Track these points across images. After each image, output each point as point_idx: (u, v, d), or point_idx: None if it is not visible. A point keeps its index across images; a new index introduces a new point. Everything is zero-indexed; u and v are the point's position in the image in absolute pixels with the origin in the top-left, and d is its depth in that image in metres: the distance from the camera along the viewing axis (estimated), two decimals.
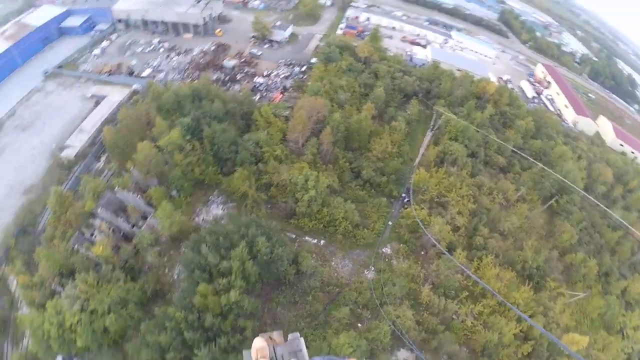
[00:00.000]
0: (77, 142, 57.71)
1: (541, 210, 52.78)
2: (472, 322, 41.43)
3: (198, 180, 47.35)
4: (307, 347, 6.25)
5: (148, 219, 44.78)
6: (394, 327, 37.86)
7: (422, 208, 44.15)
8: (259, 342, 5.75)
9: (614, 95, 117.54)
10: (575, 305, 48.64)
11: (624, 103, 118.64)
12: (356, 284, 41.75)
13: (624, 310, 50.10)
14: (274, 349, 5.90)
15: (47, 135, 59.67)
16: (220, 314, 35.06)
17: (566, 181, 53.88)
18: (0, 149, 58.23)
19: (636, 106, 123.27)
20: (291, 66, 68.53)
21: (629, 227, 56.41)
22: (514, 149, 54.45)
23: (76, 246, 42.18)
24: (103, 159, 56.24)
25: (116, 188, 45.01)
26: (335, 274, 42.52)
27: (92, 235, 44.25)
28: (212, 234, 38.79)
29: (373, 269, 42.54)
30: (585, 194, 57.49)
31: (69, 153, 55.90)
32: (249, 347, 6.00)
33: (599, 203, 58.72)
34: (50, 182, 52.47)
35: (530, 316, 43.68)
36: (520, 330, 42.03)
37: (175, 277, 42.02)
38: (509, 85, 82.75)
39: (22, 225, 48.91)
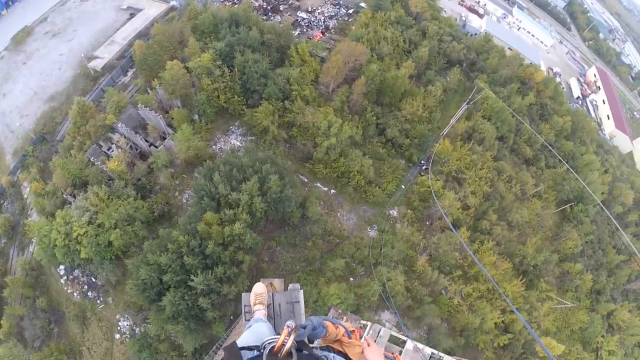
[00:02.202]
0: (106, 54, 56.03)
1: (553, 212, 52.02)
2: (458, 301, 42.45)
3: (222, 108, 46.38)
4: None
5: (166, 139, 44.41)
6: (384, 288, 38.67)
7: (438, 179, 43.52)
8: (259, 288, 5.72)
9: None
10: (560, 312, 49.55)
11: None
12: (357, 239, 42.26)
13: (604, 331, 50.86)
14: (272, 296, 5.93)
15: (77, 43, 57.90)
16: (221, 243, 35.69)
17: (587, 189, 52.43)
18: (28, 54, 56.92)
19: None
20: (338, 6, 64.82)
21: (636, 253, 55.69)
22: (545, 143, 52.55)
23: (92, 158, 42.22)
24: (130, 73, 54.90)
25: (139, 104, 43.96)
26: (339, 225, 42.93)
27: (109, 149, 44.00)
28: (227, 164, 38.70)
29: (376, 228, 42.84)
30: (602, 207, 56.24)
31: (96, 64, 54.51)
32: (244, 281, 5.87)
33: (613, 219, 57.69)
34: (74, 91, 51.70)
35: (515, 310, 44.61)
36: (502, 322, 43.32)
37: (184, 201, 42.56)
38: (557, 79, 78.54)
39: (41, 132, 48.80)
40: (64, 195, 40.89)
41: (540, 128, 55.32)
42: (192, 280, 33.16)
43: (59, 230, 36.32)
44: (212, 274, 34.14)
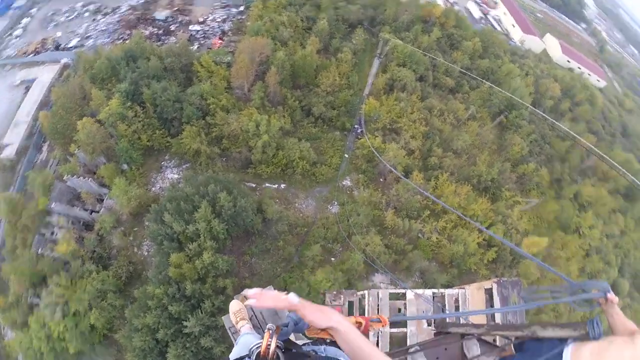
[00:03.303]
0: (14, 138, 52.02)
1: (491, 127, 54.77)
2: (437, 238, 43.86)
3: (147, 147, 45.01)
4: (286, 289, 5.98)
5: (104, 200, 42.91)
6: (365, 254, 39.30)
7: (376, 136, 44.51)
8: (234, 306, 5.67)
9: (562, 15, 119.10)
10: (531, 211, 52.35)
11: (572, 22, 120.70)
12: (322, 221, 42.61)
13: (577, 211, 54.36)
14: (251, 307, 5.79)
15: None
16: (198, 279, 34.99)
17: (514, 97, 55.38)
18: None
19: (583, 24, 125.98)
20: (227, 8, 64.11)
21: (577, 136, 59.46)
22: (461, 70, 54.91)
23: (40, 250, 40.00)
24: (45, 148, 51.54)
25: (65, 176, 42.13)
26: (301, 215, 43.08)
27: (52, 234, 41.85)
28: (172, 201, 37.65)
29: (336, 202, 43.38)
30: (533, 108, 59.64)
31: (8, 152, 50.66)
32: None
33: (546, 116, 61.14)
34: None
35: (490, 225, 46.67)
36: (483, 239, 44.95)
37: (146, 253, 41.27)
38: (456, 7, 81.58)
39: None
40: (29, 300, 38.49)
41: (453, 57, 57.66)
42: (186, 327, 32.29)
43: (39, 337, 34.61)
44: (202, 312, 33.35)
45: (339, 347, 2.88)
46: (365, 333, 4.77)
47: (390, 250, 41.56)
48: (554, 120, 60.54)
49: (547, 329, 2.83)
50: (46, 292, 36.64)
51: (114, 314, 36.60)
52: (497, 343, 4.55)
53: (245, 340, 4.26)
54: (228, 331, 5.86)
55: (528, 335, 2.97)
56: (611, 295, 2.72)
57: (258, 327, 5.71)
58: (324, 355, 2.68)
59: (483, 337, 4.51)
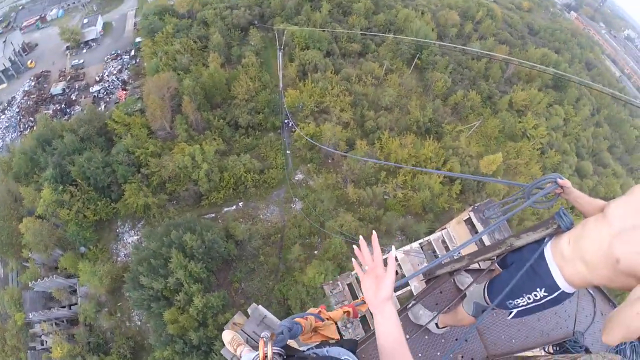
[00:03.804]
0: None
1: (409, 73, 56.75)
2: (402, 193, 45.18)
3: (96, 222, 43.78)
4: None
5: (77, 290, 42.08)
6: (344, 235, 40.03)
7: (308, 123, 45.17)
8: (227, 336, 5.53)
9: None
10: (476, 134, 54.91)
11: None
12: (292, 221, 42.90)
13: (518, 118, 57.03)
14: (243, 331, 5.78)
15: None
16: (199, 325, 34.73)
17: (419, 39, 57.50)
18: None
19: None
20: (119, 57, 62.17)
21: (489, 53, 62.29)
22: (362, 32, 56.39)
23: None
24: None
25: (30, 284, 41.26)
26: (269, 224, 43.23)
27: (42, 343, 40.56)
28: (142, 262, 37.08)
29: (297, 199, 43.84)
30: (441, 42, 62.08)
31: None
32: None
33: (455, 45, 63.78)
34: None
35: (444, 161, 48.68)
36: (444, 177, 46.69)
37: (139, 323, 40.63)
38: None
39: None
40: None
41: (350, 23, 58.94)
42: None
43: None
44: (216, 354, 32.61)
45: (341, 346, 2.93)
46: (356, 317, 4.97)
47: (365, 222, 42.58)
48: (463, 47, 63.46)
49: (521, 237, 2.77)
50: None
51: None
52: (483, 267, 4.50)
53: (248, 358, 4.29)
54: None
55: (507, 250, 2.94)
56: (562, 181, 2.70)
57: (256, 347, 5.76)
58: (326, 355, 2.61)
59: (470, 268, 4.51)
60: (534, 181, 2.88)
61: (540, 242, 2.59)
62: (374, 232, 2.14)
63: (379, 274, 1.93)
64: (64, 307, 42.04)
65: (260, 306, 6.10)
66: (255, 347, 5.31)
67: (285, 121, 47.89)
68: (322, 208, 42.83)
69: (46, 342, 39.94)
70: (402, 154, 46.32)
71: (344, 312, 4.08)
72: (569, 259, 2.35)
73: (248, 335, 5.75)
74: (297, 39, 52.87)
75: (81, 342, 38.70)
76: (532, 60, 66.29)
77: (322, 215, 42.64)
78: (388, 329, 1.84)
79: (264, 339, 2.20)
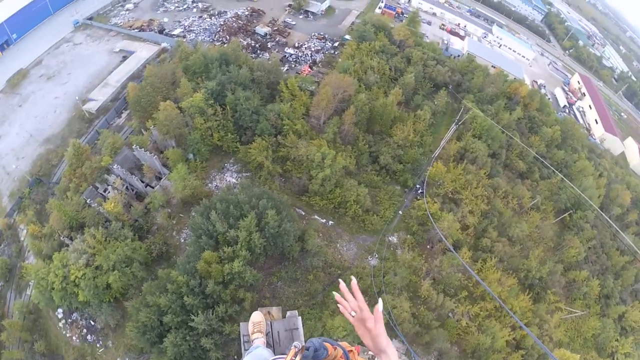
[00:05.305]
0: (100, 96, 57.49)
1: (553, 222, 52.16)
2: (467, 323, 41.63)
3: (216, 146, 47.23)
4: (302, 322, 6.17)
5: (162, 179, 44.94)
6: (389, 317, 38.20)
7: (435, 202, 43.87)
8: (256, 316, 5.86)
9: None
10: (571, 322, 48.68)
11: None
12: (358, 269, 42.01)
13: (618, 335, 49.89)
14: (270, 324, 6.05)
15: (72, 86, 59.29)
16: (221, 282, 35.57)
17: (583, 196, 52.76)
18: (24, 97, 58.12)
19: None
20: (324, 40, 67.09)
21: (638, 252, 55.41)
22: (536, 156, 53.28)
23: (89, 200, 42.52)
24: (124, 115, 56.07)
25: (134, 146, 44.77)
26: (339, 257, 42.87)
27: (105, 190, 44.40)
28: (223, 202, 38.92)
29: (377, 256, 42.81)
30: (600, 212, 56.35)
31: (91, 106, 55.84)
32: (247, 319, 6.00)
33: (612, 224, 57.57)
34: (70, 133, 52.62)
35: (525, 325, 43.82)
36: (513, 339, 42.41)
37: (182, 240, 42.64)
38: (542, 90, 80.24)
39: (37, 174, 49.28)
40: (61, 238, 40.86)
41: (530, 141, 56.21)
42: (193, 321, 32.94)
43: (57, 273, 36.23)
44: (213, 314, 33.93)
45: None
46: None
47: (415, 321, 39.93)
48: (618, 229, 56.84)
49: None
50: (80, 238, 38.58)
51: (133, 283, 37.84)
52: None
53: (259, 353, 4.30)
54: (241, 338, 5.90)
55: None
56: None
57: (270, 345, 5.70)
58: None
59: None
60: None
61: None
62: (353, 277, 2.41)
63: (366, 317, 2.29)
64: (143, 182, 45.44)
65: (299, 317, 6.12)
66: (268, 344, 5.57)
67: (417, 186, 47.25)
68: (390, 280, 41.24)
69: (109, 192, 43.65)
70: (495, 290, 42.57)
71: (349, 351, 3.77)
72: None
73: (271, 331, 5.86)
74: (476, 124, 51.97)
75: (131, 216, 42.16)
76: None
77: (386, 286, 41.08)
78: None
79: (296, 348, 2.29)
